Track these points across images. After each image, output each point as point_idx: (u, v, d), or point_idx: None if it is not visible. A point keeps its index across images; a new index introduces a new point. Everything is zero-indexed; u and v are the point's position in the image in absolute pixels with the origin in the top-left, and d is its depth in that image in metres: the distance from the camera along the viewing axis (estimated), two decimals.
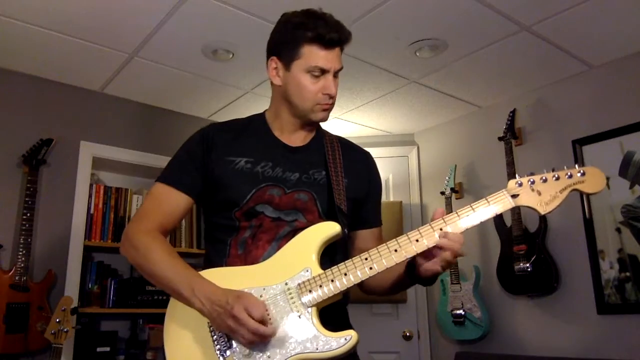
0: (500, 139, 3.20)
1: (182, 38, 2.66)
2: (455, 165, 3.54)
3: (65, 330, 2.46)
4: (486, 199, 1.22)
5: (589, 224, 2.91)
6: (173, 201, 1.39)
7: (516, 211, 3.04)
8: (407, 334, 3.67)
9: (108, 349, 3.02)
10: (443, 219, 1.24)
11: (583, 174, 1.20)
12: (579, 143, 3.01)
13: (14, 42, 2.69)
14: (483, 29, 2.61)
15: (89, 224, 3.09)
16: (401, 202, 3.83)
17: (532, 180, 1.23)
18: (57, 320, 2.46)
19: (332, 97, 1.39)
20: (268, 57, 1.44)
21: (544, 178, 1.22)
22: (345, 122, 3.80)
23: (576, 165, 1.22)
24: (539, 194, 1.21)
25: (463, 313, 3.26)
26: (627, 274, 2.73)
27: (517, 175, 1.25)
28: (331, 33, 1.35)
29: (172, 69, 3.00)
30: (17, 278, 2.67)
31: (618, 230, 2.79)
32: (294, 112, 1.43)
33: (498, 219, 3.21)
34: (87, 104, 3.23)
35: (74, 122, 3.16)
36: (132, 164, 3.35)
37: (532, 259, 2.97)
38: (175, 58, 2.88)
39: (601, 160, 2.89)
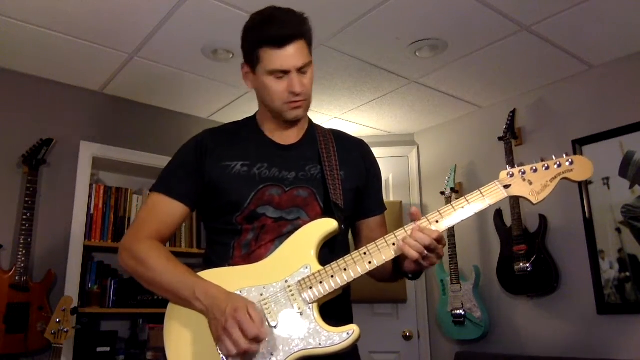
0: (500, 139, 3.20)
1: (182, 38, 2.66)
2: (455, 165, 3.54)
3: (65, 330, 2.46)
4: (479, 191, 1.23)
5: (589, 224, 2.91)
6: (169, 210, 1.38)
7: (516, 211, 3.04)
8: (407, 334, 3.67)
9: (108, 349, 3.02)
10: (438, 211, 1.24)
11: (571, 163, 1.23)
12: (579, 143, 3.01)
13: (14, 42, 2.69)
14: (483, 29, 2.61)
15: (89, 224, 3.09)
16: (401, 202, 3.83)
17: (523, 170, 1.24)
18: (57, 320, 2.47)
19: (299, 94, 1.33)
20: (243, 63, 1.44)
21: (534, 168, 1.24)
22: (345, 122, 3.80)
23: (564, 155, 1.24)
24: (530, 183, 1.23)
25: (463, 313, 3.26)
26: (627, 274, 2.73)
27: (507, 167, 1.25)
28: (280, 30, 1.29)
29: (172, 69, 3.00)
30: (17, 278, 2.67)
31: (618, 230, 2.79)
32: (271, 113, 1.43)
33: (498, 219, 3.22)
34: (87, 104, 3.23)
35: (74, 122, 3.16)
36: (132, 164, 3.35)
37: (532, 259, 2.98)
38: (175, 58, 2.88)
39: (601, 160, 2.89)
